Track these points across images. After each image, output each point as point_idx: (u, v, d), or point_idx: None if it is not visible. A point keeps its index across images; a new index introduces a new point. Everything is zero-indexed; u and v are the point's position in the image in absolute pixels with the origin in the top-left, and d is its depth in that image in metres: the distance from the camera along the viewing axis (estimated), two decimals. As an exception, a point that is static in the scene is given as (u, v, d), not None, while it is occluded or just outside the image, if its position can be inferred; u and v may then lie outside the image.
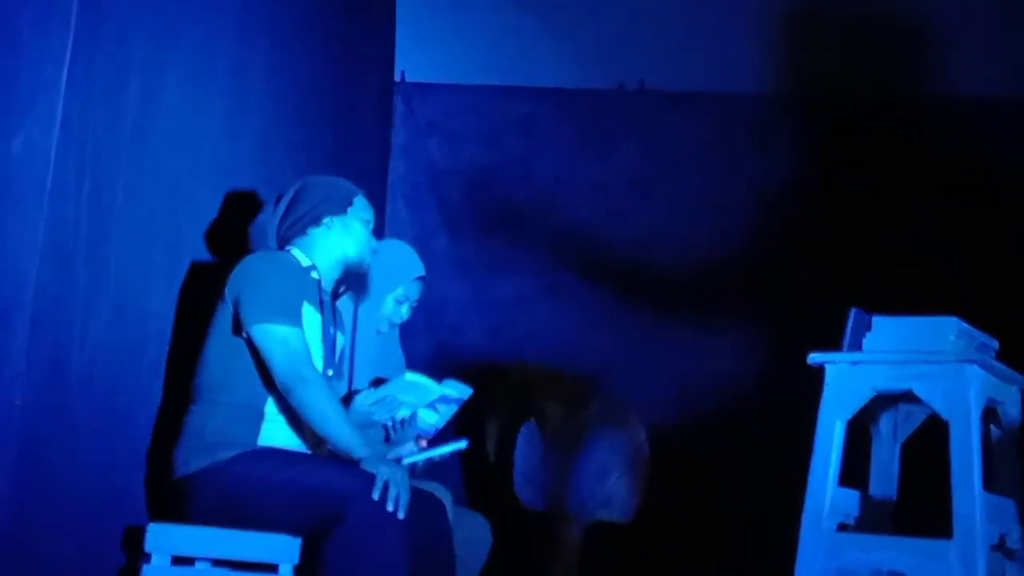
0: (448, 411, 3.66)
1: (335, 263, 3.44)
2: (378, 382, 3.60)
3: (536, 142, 5.12)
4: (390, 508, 3.03)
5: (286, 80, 4.18)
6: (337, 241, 3.44)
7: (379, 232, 4.26)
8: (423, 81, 5.20)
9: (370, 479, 3.06)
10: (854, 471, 3.56)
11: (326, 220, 3.43)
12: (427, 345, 4.89)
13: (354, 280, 3.47)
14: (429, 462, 3.55)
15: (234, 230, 3.64)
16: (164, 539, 3.15)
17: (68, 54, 2.96)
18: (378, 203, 4.47)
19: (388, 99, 5.10)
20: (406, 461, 3.46)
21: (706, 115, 5.01)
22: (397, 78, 5.17)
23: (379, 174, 4.96)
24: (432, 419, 3.66)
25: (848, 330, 3.47)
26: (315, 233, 3.43)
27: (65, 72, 2.96)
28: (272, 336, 3.23)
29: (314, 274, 3.41)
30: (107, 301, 3.19)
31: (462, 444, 3.55)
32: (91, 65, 3.05)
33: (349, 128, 4.74)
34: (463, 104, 5.18)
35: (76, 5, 2.97)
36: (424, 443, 3.63)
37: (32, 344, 2.91)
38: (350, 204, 3.46)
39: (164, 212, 3.44)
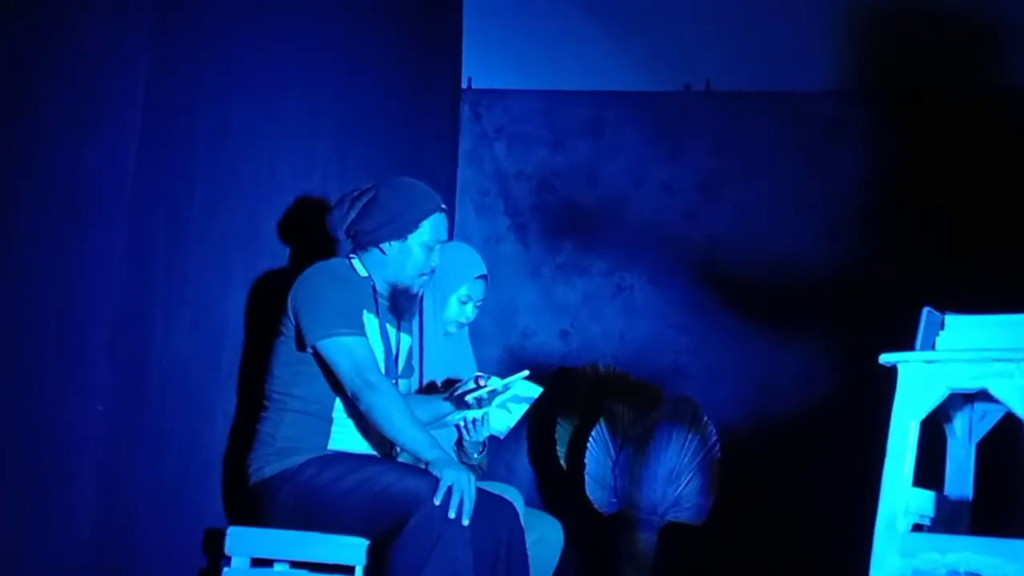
0: (519, 410, 3.67)
1: (386, 283, 3.46)
2: (449, 383, 3.62)
3: (603, 145, 5.11)
4: (452, 515, 3.04)
5: (358, 90, 4.20)
6: (392, 265, 3.45)
7: (447, 237, 4.26)
8: (489, 87, 5.22)
9: (437, 483, 3.08)
10: (929, 472, 3.53)
11: (384, 244, 3.44)
12: (498, 348, 4.91)
13: (401, 301, 3.47)
14: (494, 395, 3.47)
15: (310, 236, 3.68)
16: (243, 542, 3.23)
17: (146, 64, 3.00)
18: (447, 209, 4.49)
19: (456, 105, 5.12)
20: (470, 398, 3.42)
21: (773, 114, 4.98)
22: (464, 85, 5.20)
23: (448, 179, 4.99)
24: (504, 419, 3.68)
25: (921, 329, 3.43)
26: (374, 252, 3.46)
27: (143, 83, 3.00)
28: (337, 348, 3.26)
29: (371, 283, 3.45)
30: (186, 309, 3.24)
31: (524, 373, 3.46)
32: (168, 75, 3.08)
33: (419, 135, 4.77)
34: (529, 109, 5.18)
35: (153, 15, 3.01)
36: (482, 383, 3.47)
37: (113, 352, 2.95)
38: (414, 230, 3.44)
39: (241, 219, 3.48)
